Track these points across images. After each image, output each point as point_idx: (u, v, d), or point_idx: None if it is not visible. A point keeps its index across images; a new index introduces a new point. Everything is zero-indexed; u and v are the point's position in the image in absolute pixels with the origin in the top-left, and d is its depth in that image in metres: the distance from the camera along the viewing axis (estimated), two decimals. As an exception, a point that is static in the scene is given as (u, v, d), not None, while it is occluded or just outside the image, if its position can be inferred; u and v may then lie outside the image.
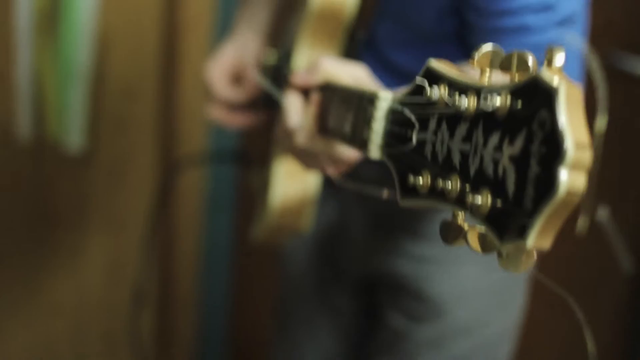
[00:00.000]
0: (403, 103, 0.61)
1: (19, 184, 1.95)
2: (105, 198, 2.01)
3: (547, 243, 0.46)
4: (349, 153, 0.85)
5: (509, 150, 0.47)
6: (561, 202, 0.44)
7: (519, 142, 0.47)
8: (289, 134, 0.88)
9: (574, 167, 0.44)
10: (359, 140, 0.66)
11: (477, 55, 0.53)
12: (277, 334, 1.46)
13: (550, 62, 0.46)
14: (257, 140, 1.41)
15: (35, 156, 1.93)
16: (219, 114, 1.27)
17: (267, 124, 1.28)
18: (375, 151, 0.63)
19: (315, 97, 0.86)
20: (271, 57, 1.28)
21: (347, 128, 0.71)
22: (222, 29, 1.96)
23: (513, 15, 0.88)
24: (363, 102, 0.67)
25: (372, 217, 1.27)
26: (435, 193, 0.54)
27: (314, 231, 1.36)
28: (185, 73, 1.97)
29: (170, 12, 1.92)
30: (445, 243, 0.54)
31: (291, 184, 1.09)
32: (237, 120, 1.28)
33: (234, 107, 1.28)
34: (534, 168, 0.45)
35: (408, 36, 1.06)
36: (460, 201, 0.51)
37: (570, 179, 0.44)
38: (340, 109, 0.75)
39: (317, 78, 0.85)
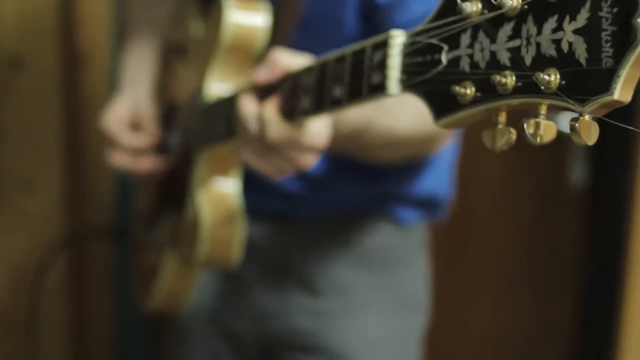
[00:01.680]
0: (417, 33, 0.63)
1: None
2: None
3: (628, 96, 0.48)
4: (316, 131, 0.85)
5: (571, 26, 0.50)
6: None
7: (583, 15, 0.49)
8: (253, 139, 0.88)
9: None
10: (367, 89, 0.67)
11: None
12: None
13: None
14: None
15: None
16: (122, 161, 1.23)
17: (170, 170, 1.25)
18: (394, 87, 0.64)
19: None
20: (163, 109, 1.27)
21: (337, 92, 0.72)
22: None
23: None
24: (365, 53, 0.69)
25: (264, 274, 1.25)
26: (483, 97, 0.56)
27: (205, 303, 1.32)
28: (88, 162, 1.87)
29: (71, 97, 1.83)
30: (496, 149, 0.55)
31: (219, 211, 1.07)
32: (142, 166, 1.23)
33: (136, 153, 1.24)
34: (608, 29, 0.48)
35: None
36: (518, 91, 0.53)
37: None
38: (324, 79, 0.76)
39: (279, 70, 0.87)
